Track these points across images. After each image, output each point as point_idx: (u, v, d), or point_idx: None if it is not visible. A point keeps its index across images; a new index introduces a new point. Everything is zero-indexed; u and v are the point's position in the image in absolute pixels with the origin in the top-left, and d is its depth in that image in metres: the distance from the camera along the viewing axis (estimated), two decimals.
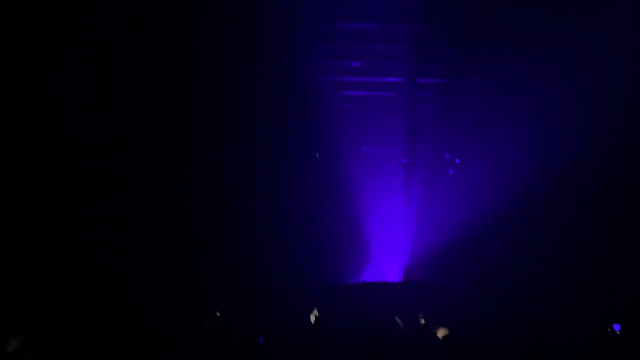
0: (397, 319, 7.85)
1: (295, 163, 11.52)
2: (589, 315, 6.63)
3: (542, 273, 9.56)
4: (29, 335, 4.54)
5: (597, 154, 9.28)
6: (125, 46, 7.48)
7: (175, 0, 7.37)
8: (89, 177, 7.47)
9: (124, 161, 7.97)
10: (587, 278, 8.95)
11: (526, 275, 9.76)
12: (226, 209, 10.36)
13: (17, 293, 5.63)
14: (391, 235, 13.29)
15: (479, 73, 9.62)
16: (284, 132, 10.71)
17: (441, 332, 7.07)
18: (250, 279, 10.13)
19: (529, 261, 10.00)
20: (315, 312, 7.17)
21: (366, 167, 12.72)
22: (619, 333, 5.65)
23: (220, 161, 10.04)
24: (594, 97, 8.58)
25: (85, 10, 6.91)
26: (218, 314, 8.72)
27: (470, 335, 6.91)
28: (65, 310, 5.62)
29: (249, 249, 10.61)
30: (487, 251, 11.17)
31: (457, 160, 12.34)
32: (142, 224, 8.55)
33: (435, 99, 10.75)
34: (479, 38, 8.61)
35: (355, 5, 7.87)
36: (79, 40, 7.13)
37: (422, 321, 7.59)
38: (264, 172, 10.92)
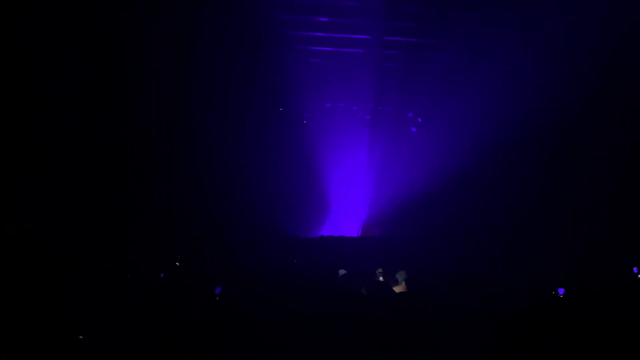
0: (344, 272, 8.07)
1: (258, 115, 11.43)
2: (547, 274, 6.98)
3: (500, 228, 9.96)
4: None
5: (554, 114, 9.61)
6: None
7: None
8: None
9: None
10: (546, 235, 9.38)
11: (484, 231, 10.15)
12: (188, 157, 10.30)
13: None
14: (352, 191, 13.49)
15: (447, 33, 9.64)
16: (248, 83, 10.57)
17: (398, 288, 7.29)
18: (209, 230, 10.20)
19: (488, 217, 10.40)
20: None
21: (330, 123, 12.72)
22: (561, 296, 5.97)
23: (185, 109, 9.91)
24: (560, 64, 8.77)
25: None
26: (177, 264, 8.80)
27: (426, 289, 7.16)
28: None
29: (210, 200, 10.64)
30: (445, 208, 11.53)
31: (419, 120, 12.50)
32: None
33: (402, 58, 10.74)
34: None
35: None
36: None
37: (380, 278, 7.79)
38: (227, 123, 10.83)
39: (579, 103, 9.37)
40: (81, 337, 4.48)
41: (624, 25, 8.14)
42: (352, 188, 13.42)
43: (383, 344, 4.82)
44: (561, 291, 6.05)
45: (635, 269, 6.52)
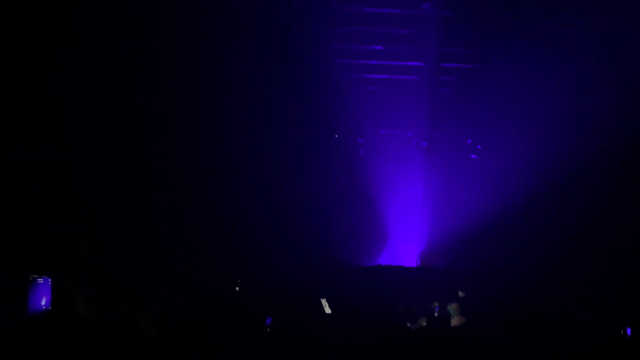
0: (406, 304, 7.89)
1: (315, 143, 11.56)
2: (602, 314, 6.55)
3: (558, 267, 9.50)
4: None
5: (616, 147, 9.12)
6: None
7: None
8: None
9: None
10: (604, 274, 8.86)
11: (542, 267, 9.70)
12: (250, 189, 10.55)
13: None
14: (410, 220, 13.24)
15: (503, 59, 9.41)
16: (304, 112, 10.74)
17: (455, 321, 7.05)
18: (268, 257, 10.31)
19: (545, 253, 9.93)
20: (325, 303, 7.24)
21: (386, 149, 12.64)
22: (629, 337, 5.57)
23: (245, 143, 10.20)
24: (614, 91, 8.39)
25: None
26: (237, 289, 8.91)
27: (480, 326, 6.90)
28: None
29: (270, 228, 10.79)
30: (503, 240, 11.11)
31: (479, 147, 12.18)
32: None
33: (458, 84, 10.58)
34: (504, 23, 8.39)
35: None
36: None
37: (436, 313, 7.58)
38: (284, 151, 11.02)
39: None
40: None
41: None
42: (409, 216, 13.17)
43: None
44: (629, 331, 5.66)
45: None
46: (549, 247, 10.21)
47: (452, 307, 7.09)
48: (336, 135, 12.35)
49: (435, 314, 7.78)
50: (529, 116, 10.22)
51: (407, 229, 13.16)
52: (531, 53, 9.09)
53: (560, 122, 9.70)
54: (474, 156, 12.29)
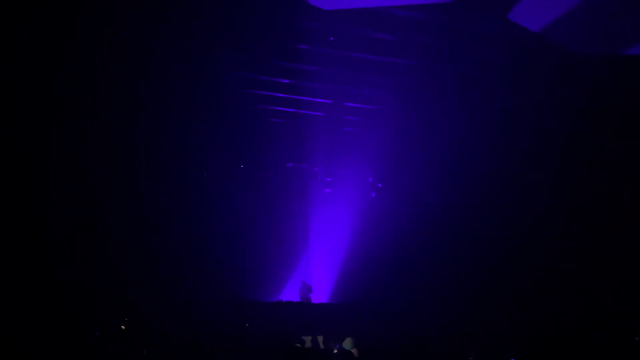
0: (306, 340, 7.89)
1: (220, 174, 11.34)
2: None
3: (457, 299, 9.92)
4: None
5: (519, 180, 9.85)
6: None
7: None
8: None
9: None
10: (500, 298, 9.39)
11: (440, 298, 10.08)
12: (152, 217, 10.11)
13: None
14: (313, 254, 13.26)
15: (404, 101, 9.88)
16: (210, 142, 10.54)
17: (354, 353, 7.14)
18: (167, 289, 9.86)
19: (444, 285, 10.35)
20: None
21: (291, 183, 12.67)
22: None
23: (149, 171, 9.84)
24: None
25: None
26: (122, 327, 8.41)
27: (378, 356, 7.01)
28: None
29: (171, 258, 10.34)
30: (403, 273, 11.42)
31: (379, 185, 12.56)
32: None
33: (361, 123, 10.92)
34: (407, 70, 8.84)
35: (289, 27, 7.86)
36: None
37: (336, 348, 7.66)
38: (189, 182, 10.71)
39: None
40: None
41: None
42: (313, 250, 13.19)
43: None
44: None
45: None
46: (442, 287, 10.64)
47: (346, 343, 7.17)
48: (242, 166, 12.21)
49: (335, 351, 7.85)
50: (428, 157, 10.72)
51: (311, 263, 13.16)
52: (431, 98, 9.60)
53: (457, 161, 10.26)
54: (373, 194, 12.64)
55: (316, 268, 13.05)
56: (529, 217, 9.78)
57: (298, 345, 7.95)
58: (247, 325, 9.16)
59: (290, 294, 12.69)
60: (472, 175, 10.21)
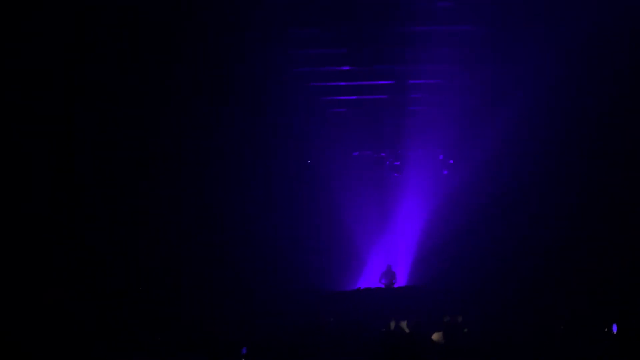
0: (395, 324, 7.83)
1: (287, 171, 11.43)
2: (581, 316, 6.55)
3: (534, 274, 9.53)
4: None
5: (586, 152, 9.30)
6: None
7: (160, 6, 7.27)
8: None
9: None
10: (578, 276, 8.93)
11: (519, 276, 9.72)
12: (219, 216, 10.32)
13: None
14: (386, 240, 13.14)
15: (471, 73, 9.55)
16: (274, 140, 10.63)
17: (435, 336, 7.01)
18: (242, 285, 10.05)
19: (523, 262, 9.97)
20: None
21: (359, 171, 12.60)
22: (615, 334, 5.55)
23: (215, 170, 10.03)
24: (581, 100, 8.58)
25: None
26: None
27: (463, 338, 6.85)
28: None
29: (243, 256, 10.54)
30: (481, 253, 11.12)
31: (451, 161, 12.25)
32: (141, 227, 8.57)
33: (427, 101, 10.66)
34: (470, 38, 8.52)
35: (343, 8, 7.74)
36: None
37: (407, 329, 7.60)
38: (257, 180, 10.86)
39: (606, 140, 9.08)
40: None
41: None
42: (386, 236, 13.07)
43: None
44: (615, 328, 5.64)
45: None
46: (521, 264, 10.25)
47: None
48: (309, 161, 12.27)
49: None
50: (496, 128, 10.34)
51: (385, 249, 13.05)
52: (498, 68, 9.24)
53: (528, 135, 9.84)
54: (445, 172, 12.34)
55: (393, 253, 12.92)
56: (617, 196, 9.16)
57: (384, 330, 7.89)
58: (331, 318, 9.15)
59: (367, 281, 12.67)
60: (547, 148, 9.73)
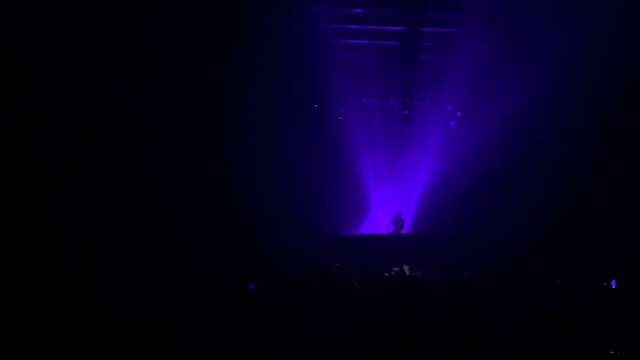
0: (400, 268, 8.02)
1: (294, 113, 11.39)
2: (589, 272, 6.68)
3: (541, 227, 9.64)
4: None
5: (598, 109, 9.21)
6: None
7: None
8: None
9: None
10: (587, 232, 9.03)
11: (524, 227, 9.84)
12: (224, 156, 10.37)
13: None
14: (391, 188, 13.26)
15: (483, 23, 9.34)
16: (282, 80, 10.52)
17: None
18: (247, 228, 10.22)
19: (527, 214, 10.06)
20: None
21: (367, 118, 12.55)
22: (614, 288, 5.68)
23: (223, 110, 9.99)
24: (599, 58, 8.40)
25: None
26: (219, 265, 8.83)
27: (466, 287, 6.99)
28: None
29: (248, 199, 10.67)
30: (486, 204, 11.23)
31: (458, 113, 12.17)
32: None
33: (439, 49, 10.48)
34: None
35: None
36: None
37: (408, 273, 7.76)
38: (262, 120, 10.83)
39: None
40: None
41: None
42: (389, 184, 13.18)
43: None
44: (613, 283, 5.76)
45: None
46: (527, 217, 10.35)
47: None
48: (316, 105, 12.19)
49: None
50: (508, 82, 10.21)
51: (389, 197, 13.19)
52: (511, 20, 9.02)
53: (543, 89, 9.71)
54: (453, 123, 12.30)
55: (397, 202, 13.07)
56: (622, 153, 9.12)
57: (387, 275, 8.08)
58: (336, 262, 9.35)
59: (371, 227, 12.88)
60: (560, 105, 9.63)
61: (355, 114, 12.46)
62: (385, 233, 12.02)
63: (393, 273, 8.37)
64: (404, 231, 12.27)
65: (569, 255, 8.23)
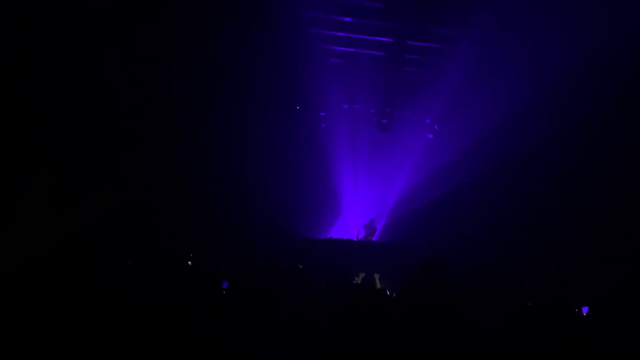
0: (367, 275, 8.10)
1: (275, 112, 11.42)
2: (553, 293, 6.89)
3: (509, 246, 9.89)
4: None
5: (572, 128, 9.52)
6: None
7: None
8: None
9: None
10: (549, 250, 9.32)
11: (492, 238, 10.08)
12: (205, 154, 10.34)
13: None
14: (364, 194, 13.42)
15: (468, 41, 9.55)
16: (266, 78, 10.54)
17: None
18: (219, 227, 10.20)
19: (496, 227, 10.32)
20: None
21: (347, 124, 12.67)
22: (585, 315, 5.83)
23: (205, 108, 9.97)
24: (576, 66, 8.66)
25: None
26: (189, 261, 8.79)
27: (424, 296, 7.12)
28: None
29: (221, 197, 10.65)
30: (451, 215, 11.46)
31: (436, 127, 12.41)
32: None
33: (423, 63, 10.67)
34: (472, 5, 8.49)
35: None
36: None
37: (378, 282, 7.85)
38: (242, 118, 10.83)
39: (600, 110, 9.25)
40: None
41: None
42: (363, 191, 13.34)
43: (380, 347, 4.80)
44: (585, 310, 5.93)
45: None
46: (499, 228, 10.59)
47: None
48: (297, 107, 12.26)
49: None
50: (488, 100, 10.46)
51: (362, 203, 13.35)
52: (495, 36, 9.24)
53: (521, 105, 9.97)
54: (430, 136, 12.53)
55: (370, 209, 13.23)
56: (602, 174, 9.39)
57: (355, 281, 8.18)
58: (300, 265, 9.40)
59: (342, 233, 13.00)
60: (540, 123, 9.90)
61: (336, 118, 12.56)
62: (355, 239, 12.15)
63: (358, 280, 8.47)
64: (374, 238, 12.43)
65: (546, 264, 8.48)
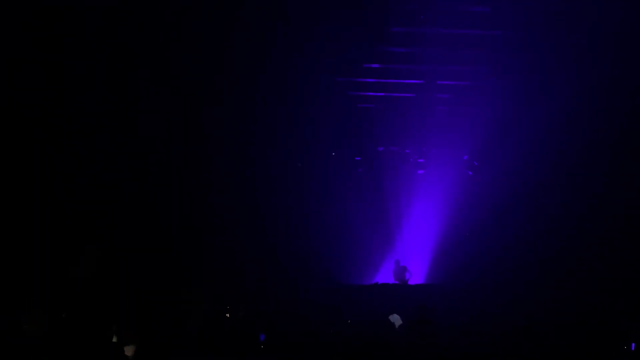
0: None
1: (311, 162, 11.58)
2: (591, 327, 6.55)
3: (554, 281, 9.55)
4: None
5: (613, 161, 9.25)
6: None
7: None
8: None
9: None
10: (592, 284, 8.95)
11: (542, 281, 9.75)
12: (241, 207, 10.51)
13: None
14: (408, 236, 13.22)
15: (499, 76, 9.52)
16: (299, 131, 10.75)
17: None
18: (261, 277, 10.23)
19: (546, 268, 9.99)
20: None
21: (383, 167, 12.66)
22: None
23: (237, 163, 10.20)
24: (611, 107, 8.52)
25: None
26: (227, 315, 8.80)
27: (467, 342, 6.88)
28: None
29: (264, 247, 10.74)
30: (504, 255, 11.13)
31: (475, 163, 12.23)
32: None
33: (454, 101, 10.65)
34: (500, 42, 8.51)
35: (374, 8, 7.80)
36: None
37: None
38: (279, 171, 11.02)
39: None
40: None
41: None
42: (407, 233, 13.15)
43: None
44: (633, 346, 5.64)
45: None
46: (543, 268, 10.27)
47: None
48: (333, 153, 12.38)
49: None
50: (523, 132, 10.30)
51: (406, 246, 13.14)
52: (525, 70, 9.19)
53: (554, 138, 9.80)
54: (470, 172, 12.34)
55: (411, 250, 13.01)
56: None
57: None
58: (340, 309, 9.23)
59: (386, 276, 12.79)
60: (575, 152, 9.69)
61: (372, 162, 12.59)
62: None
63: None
64: (412, 281, 12.17)
65: (576, 306, 8.11)
